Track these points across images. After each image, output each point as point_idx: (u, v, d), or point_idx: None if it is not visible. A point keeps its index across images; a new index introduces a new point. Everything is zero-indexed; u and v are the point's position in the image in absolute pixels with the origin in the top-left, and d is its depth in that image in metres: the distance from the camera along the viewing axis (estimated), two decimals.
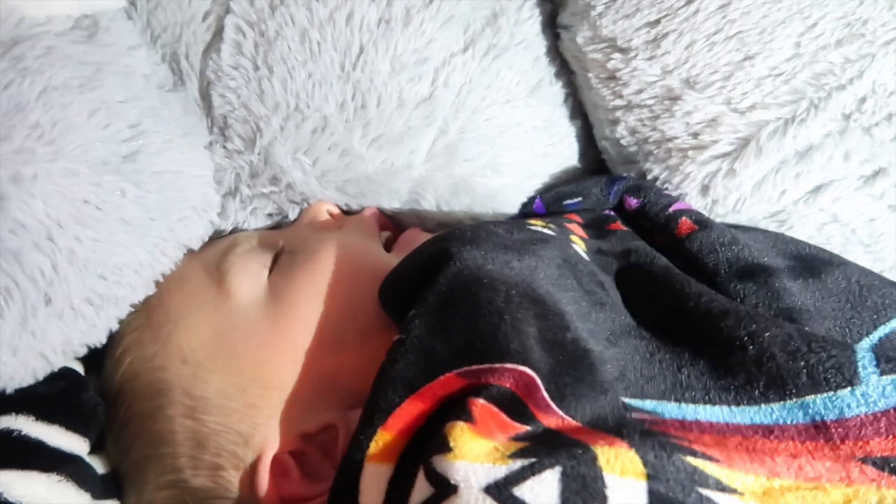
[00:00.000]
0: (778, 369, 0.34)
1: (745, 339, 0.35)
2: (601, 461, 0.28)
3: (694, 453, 0.30)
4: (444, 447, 0.30)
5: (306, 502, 0.38)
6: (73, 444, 0.41)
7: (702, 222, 0.45)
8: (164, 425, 0.41)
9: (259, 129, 0.47)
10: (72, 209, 0.37)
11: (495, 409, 0.31)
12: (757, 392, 0.34)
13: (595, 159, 0.55)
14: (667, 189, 0.49)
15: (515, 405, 0.32)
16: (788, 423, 0.33)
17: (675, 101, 0.48)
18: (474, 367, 0.33)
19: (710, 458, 0.30)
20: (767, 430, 0.33)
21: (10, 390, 0.39)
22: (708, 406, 0.34)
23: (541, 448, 0.29)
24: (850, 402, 0.33)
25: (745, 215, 0.50)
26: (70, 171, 0.37)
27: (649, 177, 0.51)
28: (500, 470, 0.28)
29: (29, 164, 0.35)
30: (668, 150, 0.50)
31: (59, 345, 0.39)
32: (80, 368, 0.44)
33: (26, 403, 0.40)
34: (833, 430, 0.32)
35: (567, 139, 0.54)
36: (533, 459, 0.28)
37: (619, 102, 0.50)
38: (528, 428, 0.31)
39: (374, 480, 0.32)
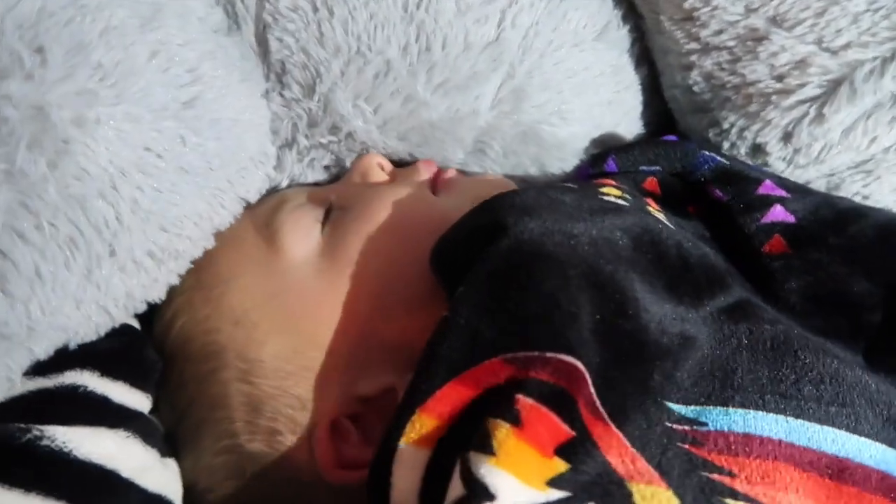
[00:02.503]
0: (851, 403, 0.31)
1: (817, 373, 0.32)
2: (636, 498, 0.28)
3: (735, 495, 0.29)
4: (487, 448, 0.29)
5: (366, 467, 0.36)
6: (137, 400, 0.40)
7: (797, 241, 0.39)
8: (218, 389, 0.40)
9: (318, 75, 0.44)
10: (133, 156, 0.36)
11: (544, 410, 0.30)
12: (824, 411, 0.31)
13: (660, 109, 0.53)
14: (753, 174, 0.43)
15: (564, 403, 0.30)
16: (860, 461, 0.30)
17: (759, 41, 0.45)
18: (521, 354, 0.31)
19: (753, 502, 0.29)
20: (832, 464, 0.30)
21: (73, 346, 0.38)
22: (761, 413, 0.31)
23: (578, 478, 0.28)
24: None
25: (828, 165, 0.47)
26: (132, 116, 0.35)
27: (725, 125, 0.48)
28: (538, 496, 0.28)
29: (92, 106, 0.33)
30: (748, 95, 0.47)
31: (121, 299, 0.38)
32: (136, 325, 0.43)
33: (90, 359, 0.39)
34: None
35: (633, 87, 0.52)
36: (569, 494, 0.28)
37: (694, 46, 0.48)
38: (573, 434, 0.29)
39: (408, 464, 0.31)
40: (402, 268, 0.40)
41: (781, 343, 0.33)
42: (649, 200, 0.43)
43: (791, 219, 0.40)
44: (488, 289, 0.34)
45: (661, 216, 0.41)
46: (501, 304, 0.33)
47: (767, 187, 0.42)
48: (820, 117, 0.45)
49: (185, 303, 0.42)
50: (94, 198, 0.34)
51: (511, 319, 0.33)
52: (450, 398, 0.31)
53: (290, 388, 0.39)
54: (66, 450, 0.35)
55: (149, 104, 0.36)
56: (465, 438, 0.30)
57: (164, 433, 0.42)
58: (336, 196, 0.44)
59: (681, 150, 0.46)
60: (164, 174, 0.37)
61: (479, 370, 0.32)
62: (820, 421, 0.31)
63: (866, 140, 0.45)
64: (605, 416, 0.30)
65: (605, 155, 0.47)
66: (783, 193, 0.42)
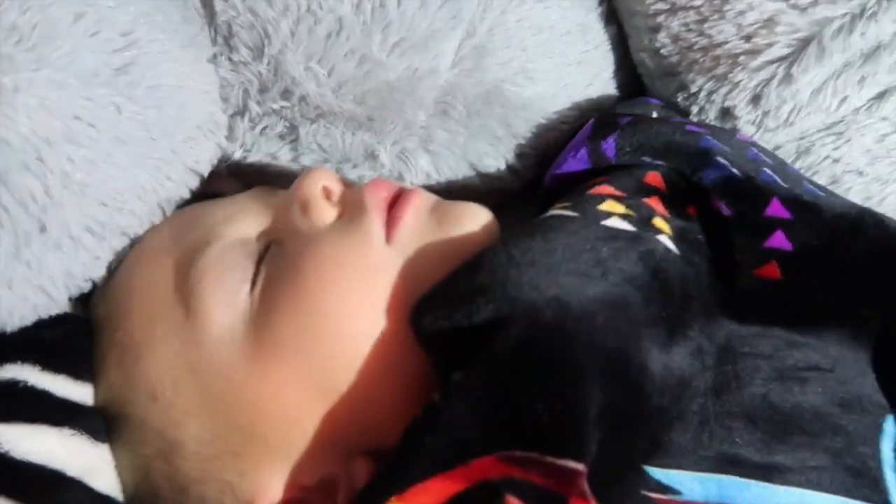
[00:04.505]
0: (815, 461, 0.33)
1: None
2: None
3: None
4: None
5: None
6: (84, 393, 0.38)
7: (789, 269, 0.38)
8: (139, 462, 0.37)
9: (267, 36, 0.42)
10: (61, 126, 0.33)
11: None
12: (790, 474, 0.32)
13: (633, 71, 0.51)
14: (763, 189, 0.40)
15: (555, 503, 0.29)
16: None
17: (726, 0, 0.43)
18: (520, 453, 0.29)
19: None
20: None
21: (10, 329, 0.36)
22: (733, 478, 0.32)
23: None
24: None
25: (797, 128, 0.46)
26: (56, 83, 0.33)
27: (693, 88, 0.47)
28: None
29: (7, 72, 0.31)
30: (715, 57, 0.45)
31: (59, 277, 0.36)
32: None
33: (30, 351, 0.37)
34: None
35: (602, 47, 0.50)
36: None
37: (661, 6, 0.46)
38: None
39: None
40: (337, 347, 0.36)
41: (746, 385, 0.34)
42: (654, 202, 0.40)
43: (788, 247, 0.39)
44: (489, 382, 0.31)
45: (665, 236, 0.38)
46: (503, 399, 0.31)
47: (775, 208, 0.40)
48: (788, 78, 0.43)
49: (99, 358, 0.39)
50: (18, 170, 0.32)
51: (513, 416, 0.30)
52: (432, 492, 0.29)
53: (217, 472, 0.35)
54: (2, 450, 0.33)
55: (76, 70, 0.33)
56: None
57: None
58: (271, 229, 0.39)
59: (697, 153, 0.41)
60: (97, 144, 0.35)
61: (471, 468, 0.30)
62: (786, 483, 0.32)
63: (836, 101, 0.44)
64: (592, 498, 0.29)
65: (610, 125, 0.42)
66: (788, 216, 0.39)
